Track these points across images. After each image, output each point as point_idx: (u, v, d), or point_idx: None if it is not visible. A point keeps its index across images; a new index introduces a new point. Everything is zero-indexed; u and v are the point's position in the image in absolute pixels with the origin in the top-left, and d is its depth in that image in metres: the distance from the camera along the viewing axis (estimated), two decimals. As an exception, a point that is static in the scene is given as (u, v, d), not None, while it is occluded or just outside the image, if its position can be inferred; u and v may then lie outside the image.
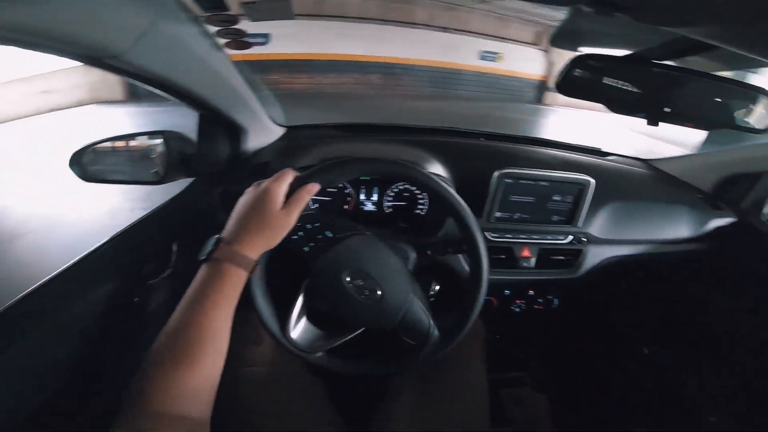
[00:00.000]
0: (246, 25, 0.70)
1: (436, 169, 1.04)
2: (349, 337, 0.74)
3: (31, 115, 7.12)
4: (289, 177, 0.63)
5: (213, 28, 0.63)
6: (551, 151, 1.22)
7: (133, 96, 8.69)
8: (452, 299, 0.91)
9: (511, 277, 1.06)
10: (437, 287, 0.99)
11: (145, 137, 0.93)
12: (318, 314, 0.75)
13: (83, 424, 0.66)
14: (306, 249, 0.73)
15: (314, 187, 0.64)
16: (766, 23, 0.34)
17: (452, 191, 0.73)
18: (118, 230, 0.82)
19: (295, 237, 0.72)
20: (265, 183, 0.62)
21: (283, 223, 0.60)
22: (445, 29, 10.43)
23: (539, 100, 12.30)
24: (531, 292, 1.13)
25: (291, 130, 1.22)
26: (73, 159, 0.85)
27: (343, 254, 0.72)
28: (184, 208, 0.93)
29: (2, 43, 0.42)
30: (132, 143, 0.93)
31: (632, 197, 1.16)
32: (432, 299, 0.98)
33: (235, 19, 0.62)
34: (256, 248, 0.59)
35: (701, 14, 0.38)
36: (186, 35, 0.59)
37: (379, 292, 0.71)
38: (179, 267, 0.87)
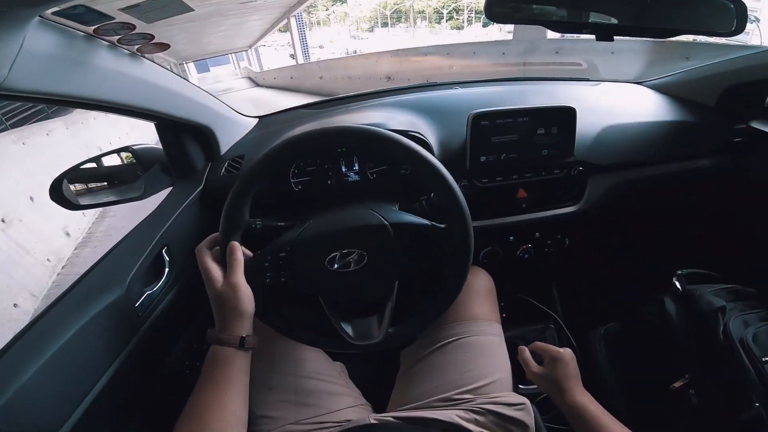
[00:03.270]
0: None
1: (414, 125, 1.00)
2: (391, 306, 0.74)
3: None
4: (204, 251, 0.68)
5: (112, 38, 0.62)
6: (530, 86, 1.13)
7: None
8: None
9: (511, 221, 1.02)
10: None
11: (115, 156, 0.96)
12: (350, 310, 0.76)
13: None
14: (283, 279, 0.72)
15: (234, 247, 0.66)
16: None
17: (381, 130, 0.69)
18: (110, 247, 0.87)
19: (268, 279, 0.72)
20: (206, 271, 0.65)
21: (236, 293, 0.63)
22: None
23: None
24: (537, 235, 1.07)
25: (263, 119, 1.21)
26: (53, 192, 0.90)
27: (309, 255, 0.71)
28: (167, 215, 0.95)
29: None
30: (105, 164, 0.97)
31: (628, 120, 1.07)
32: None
33: (130, 26, 0.60)
34: (235, 326, 0.62)
35: None
36: (75, 51, 0.58)
37: (364, 254, 0.69)
38: (172, 272, 0.90)
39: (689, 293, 0.95)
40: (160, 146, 1.01)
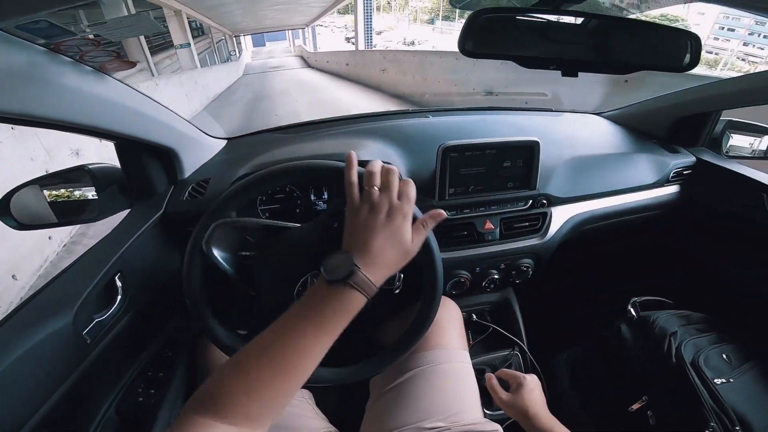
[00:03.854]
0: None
1: (385, 155, 1.01)
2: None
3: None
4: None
5: (72, 54, 0.59)
6: (498, 116, 1.17)
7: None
8: (419, 287, 0.88)
9: (478, 253, 1.03)
10: (401, 275, 0.97)
11: (70, 175, 0.91)
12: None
13: None
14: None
15: (442, 215, 0.60)
16: None
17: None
18: (62, 269, 0.81)
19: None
20: (408, 213, 0.57)
21: (412, 252, 0.57)
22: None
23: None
24: (502, 266, 1.08)
25: (232, 141, 1.19)
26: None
27: (284, 260, 0.70)
28: (123, 240, 0.91)
29: None
30: (58, 183, 0.92)
31: (587, 151, 1.13)
32: (397, 290, 0.95)
33: (94, 42, 0.58)
34: (383, 274, 0.55)
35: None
36: (33, 67, 0.55)
37: None
38: (125, 300, 0.85)
39: (643, 319, 1.00)
40: (118, 165, 0.96)
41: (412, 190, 0.57)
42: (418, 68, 9.14)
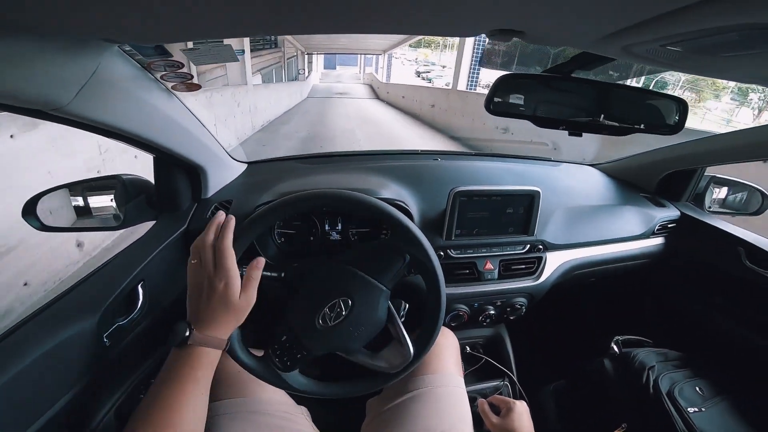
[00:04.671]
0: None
1: (399, 194, 1.08)
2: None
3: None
4: (233, 251, 0.64)
5: (158, 73, 0.66)
6: (502, 164, 1.28)
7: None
8: (422, 317, 0.92)
9: (477, 290, 1.10)
10: (407, 305, 1.03)
11: (101, 182, 0.94)
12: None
13: None
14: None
15: (261, 263, 0.67)
16: None
17: (375, 200, 0.76)
18: (86, 274, 0.83)
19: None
20: (215, 269, 0.62)
21: (245, 305, 0.64)
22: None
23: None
24: (499, 303, 1.16)
25: (252, 165, 1.25)
26: (26, 209, 0.86)
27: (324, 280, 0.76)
28: (148, 250, 0.93)
29: None
30: (88, 189, 0.94)
31: (581, 202, 1.24)
32: (402, 319, 1.01)
33: (179, 64, 0.66)
34: (226, 329, 0.63)
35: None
36: (130, 82, 0.61)
37: (344, 313, 0.74)
38: (144, 308, 0.87)
39: (625, 355, 1.10)
40: (145, 177, 1.00)
41: (226, 260, 0.62)
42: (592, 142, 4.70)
